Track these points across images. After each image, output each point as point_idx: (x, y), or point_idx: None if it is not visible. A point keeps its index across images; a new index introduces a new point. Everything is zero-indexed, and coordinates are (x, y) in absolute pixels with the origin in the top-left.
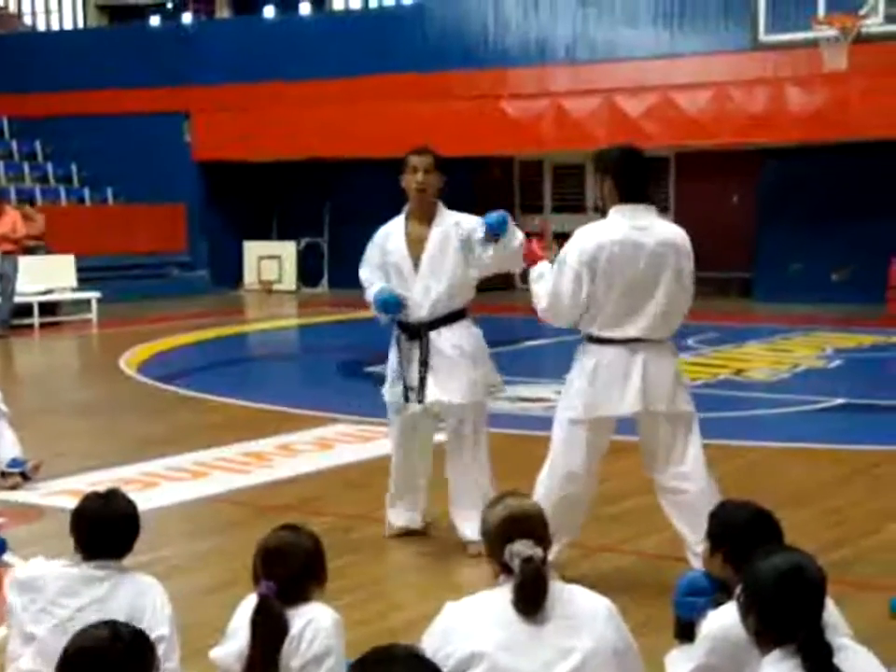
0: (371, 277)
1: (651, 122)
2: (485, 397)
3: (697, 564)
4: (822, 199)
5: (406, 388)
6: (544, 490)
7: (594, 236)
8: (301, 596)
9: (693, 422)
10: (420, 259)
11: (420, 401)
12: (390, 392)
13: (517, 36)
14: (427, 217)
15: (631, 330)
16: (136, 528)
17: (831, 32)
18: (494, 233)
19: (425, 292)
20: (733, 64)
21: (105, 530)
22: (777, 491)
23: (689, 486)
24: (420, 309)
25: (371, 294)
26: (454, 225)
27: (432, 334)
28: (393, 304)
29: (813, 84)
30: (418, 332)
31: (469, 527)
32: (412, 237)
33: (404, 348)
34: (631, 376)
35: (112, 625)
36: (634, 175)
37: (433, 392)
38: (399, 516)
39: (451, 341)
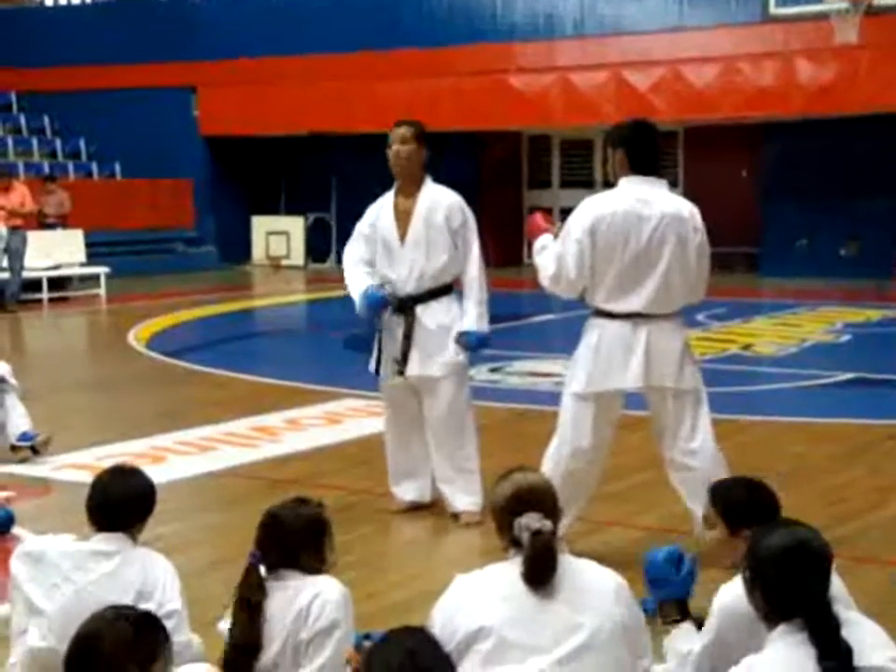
0: (355, 259)
1: (658, 96)
2: (466, 369)
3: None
4: (831, 173)
5: (391, 361)
6: (552, 464)
7: (596, 206)
8: (302, 566)
9: (702, 398)
10: (406, 232)
11: (401, 374)
12: (373, 365)
13: (524, 10)
14: (412, 191)
15: (633, 303)
16: (150, 506)
17: (842, 4)
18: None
19: (410, 266)
20: (741, 37)
21: (119, 505)
22: (783, 466)
23: (697, 463)
24: (406, 283)
25: (355, 291)
26: (436, 200)
27: (418, 308)
28: (379, 302)
29: (823, 57)
30: (404, 306)
31: (459, 498)
32: (399, 211)
33: (388, 321)
34: (634, 351)
35: (116, 608)
36: (644, 148)
37: (414, 366)
38: (406, 492)
39: (435, 316)
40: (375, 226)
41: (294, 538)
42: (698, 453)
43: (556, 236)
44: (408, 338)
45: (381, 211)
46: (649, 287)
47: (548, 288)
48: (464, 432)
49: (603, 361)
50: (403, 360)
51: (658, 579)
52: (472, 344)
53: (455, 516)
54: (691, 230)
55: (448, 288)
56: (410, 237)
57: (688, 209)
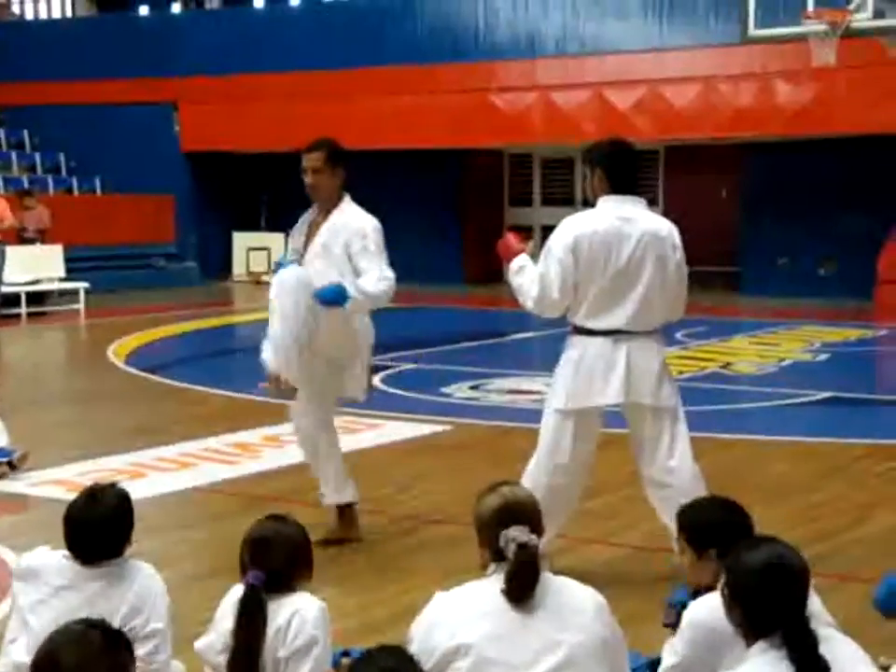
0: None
1: (639, 115)
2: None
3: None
4: (810, 193)
5: None
6: (531, 481)
7: (578, 225)
8: (287, 586)
9: (680, 416)
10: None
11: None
12: None
13: (506, 29)
14: (325, 211)
15: (614, 320)
16: (126, 525)
17: (820, 26)
18: (326, 304)
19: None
20: (721, 58)
21: (92, 534)
22: (761, 484)
23: (674, 481)
24: None
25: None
26: (343, 224)
27: None
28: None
29: (801, 79)
30: None
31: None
32: (313, 226)
33: None
34: (615, 367)
35: (85, 622)
36: (623, 167)
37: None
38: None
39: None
40: (293, 236)
41: (281, 558)
42: (676, 470)
43: (532, 255)
44: None
45: (299, 224)
46: (629, 305)
47: (532, 310)
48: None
49: (584, 378)
50: None
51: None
52: (325, 300)
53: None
54: (670, 248)
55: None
56: (307, 256)
57: (667, 228)
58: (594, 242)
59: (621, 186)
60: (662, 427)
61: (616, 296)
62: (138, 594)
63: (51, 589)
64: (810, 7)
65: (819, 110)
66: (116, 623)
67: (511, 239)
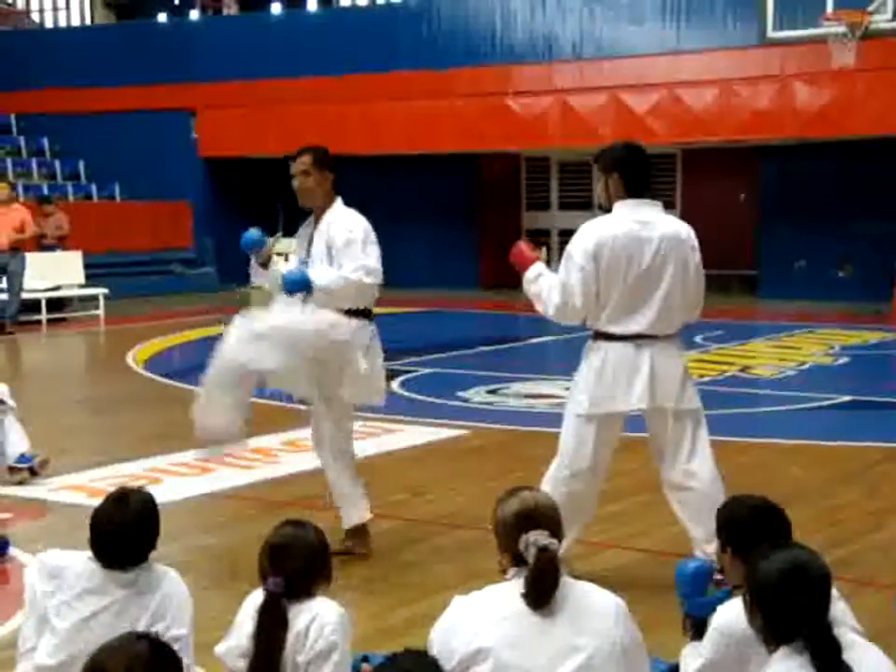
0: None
1: (656, 119)
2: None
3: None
4: (828, 196)
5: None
6: (551, 487)
7: (597, 230)
8: (306, 592)
9: (701, 419)
10: (310, 255)
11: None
12: None
13: (523, 33)
14: (319, 215)
15: (637, 325)
16: (153, 530)
17: (839, 28)
18: (290, 293)
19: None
20: (739, 61)
21: (118, 539)
22: (779, 488)
23: (695, 484)
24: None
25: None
26: (331, 224)
27: None
28: (249, 240)
29: (820, 81)
30: None
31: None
32: (309, 235)
33: None
34: (639, 372)
35: (135, 634)
36: (638, 171)
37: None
38: None
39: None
40: (298, 248)
41: (300, 564)
42: (697, 473)
43: (547, 262)
44: None
45: (300, 233)
46: (652, 309)
47: (552, 317)
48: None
49: (607, 383)
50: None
51: (683, 593)
52: (289, 288)
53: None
54: (689, 249)
55: (349, 312)
56: (311, 259)
57: (685, 230)
58: (615, 247)
59: (636, 189)
60: (684, 430)
61: (638, 300)
62: (162, 600)
63: (75, 592)
64: (829, 8)
65: (838, 112)
66: (139, 629)
67: (523, 248)
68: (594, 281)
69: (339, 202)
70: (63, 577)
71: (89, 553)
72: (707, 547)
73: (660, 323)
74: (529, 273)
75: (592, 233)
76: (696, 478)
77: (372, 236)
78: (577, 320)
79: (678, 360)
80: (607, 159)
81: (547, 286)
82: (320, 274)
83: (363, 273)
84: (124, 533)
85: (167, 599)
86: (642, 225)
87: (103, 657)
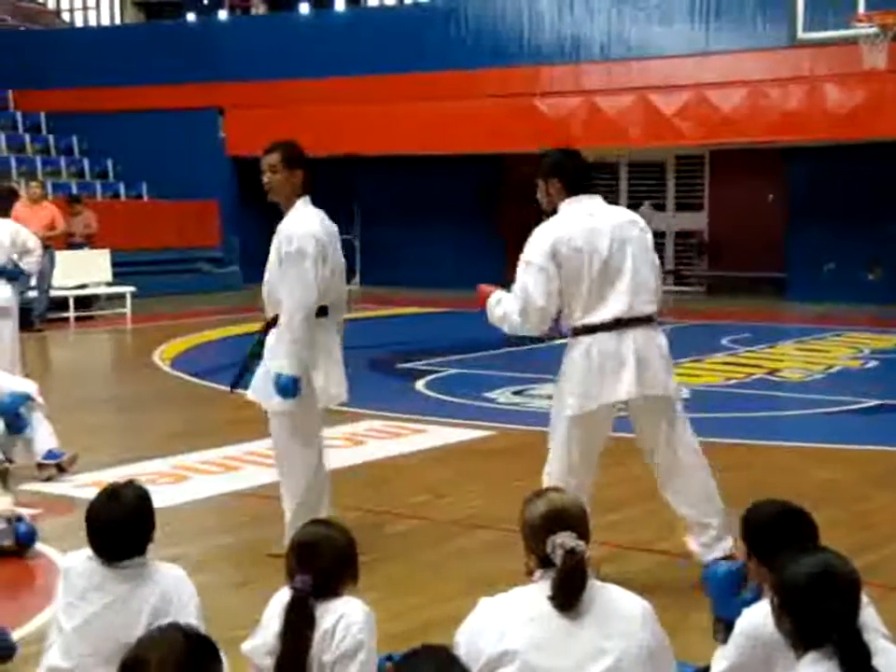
0: None
1: (684, 120)
2: (290, 407)
3: (694, 542)
4: (857, 197)
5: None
6: (550, 483)
7: (551, 231)
8: (333, 591)
9: (680, 406)
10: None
11: (231, 389)
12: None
13: (551, 34)
14: (284, 213)
15: (613, 309)
16: (148, 522)
17: (870, 29)
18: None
19: (264, 290)
20: (768, 62)
21: (114, 533)
22: (807, 492)
23: (682, 461)
24: (266, 306)
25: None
26: (287, 225)
27: (269, 335)
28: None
29: (850, 82)
30: (264, 331)
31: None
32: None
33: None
34: (625, 362)
35: (173, 625)
36: (577, 171)
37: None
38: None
39: (271, 347)
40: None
41: (328, 563)
42: (683, 455)
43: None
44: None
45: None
46: (623, 291)
47: (518, 328)
48: (283, 472)
49: (594, 377)
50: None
51: (713, 596)
52: (276, 388)
53: None
54: (639, 230)
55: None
56: (270, 261)
57: (629, 214)
58: (571, 243)
59: (578, 188)
60: (669, 415)
61: (607, 287)
62: (163, 595)
63: (79, 591)
64: (860, 9)
65: (869, 114)
66: (142, 624)
67: (482, 287)
68: (556, 278)
69: (301, 201)
70: (68, 577)
71: (88, 552)
72: (697, 528)
73: (637, 302)
74: (490, 301)
75: (546, 235)
76: (682, 460)
77: (311, 248)
78: (540, 325)
79: (661, 347)
80: (545, 165)
81: (506, 300)
82: (277, 353)
83: (294, 312)
84: (118, 527)
85: (168, 594)
86: (591, 217)
87: (140, 650)
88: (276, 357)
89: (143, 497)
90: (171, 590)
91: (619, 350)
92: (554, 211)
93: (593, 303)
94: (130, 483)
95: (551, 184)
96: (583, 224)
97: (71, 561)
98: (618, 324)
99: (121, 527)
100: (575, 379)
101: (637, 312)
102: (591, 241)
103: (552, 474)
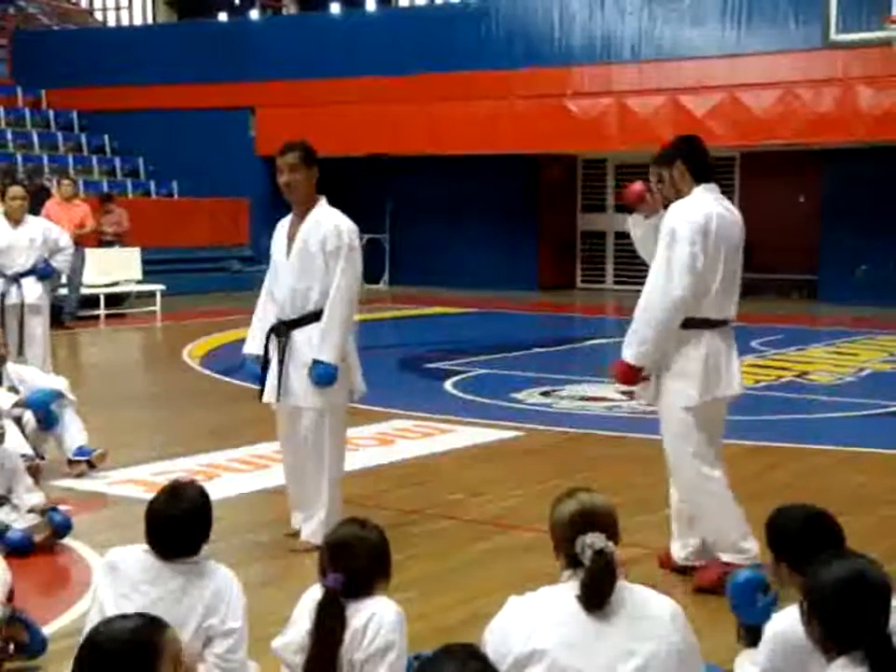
0: (265, 290)
1: (716, 121)
2: (338, 401)
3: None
4: (890, 200)
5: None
6: (698, 492)
7: (699, 207)
8: (365, 590)
9: None
10: (290, 254)
11: (278, 399)
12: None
13: (582, 34)
14: (303, 213)
15: (729, 310)
16: (206, 522)
17: None
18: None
19: (288, 290)
20: (801, 63)
21: (173, 530)
22: (839, 496)
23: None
24: (283, 307)
25: (247, 343)
26: (318, 223)
27: (295, 333)
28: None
29: (884, 84)
30: (280, 330)
31: (307, 528)
32: (291, 232)
33: (273, 345)
34: (733, 359)
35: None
36: (703, 158)
37: (285, 392)
38: (297, 522)
39: (307, 343)
40: (271, 247)
41: (361, 562)
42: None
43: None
44: (281, 362)
45: (277, 232)
46: (736, 293)
47: (676, 306)
48: (330, 465)
49: (713, 372)
50: (279, 385)
51: (736, 603)
52: (314, 378)
53: (290, 535)
54: (741, 231)
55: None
56: (291, 261)
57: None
58: (718, 226)
59: (705, 175)
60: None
61: (729, 283)
62: (215, 593)
63: (132, 584)
64: (894, 11)
65: None
66: (194, 621)
67: (637, 184)
68: (701, 258)
69: (323, 200)
70: (119, 569)
71: (144, 546)
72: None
73: (736, 307)
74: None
75: (694, 210)
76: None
77: (357, 243)
78: (686, 308)
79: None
80: (668, 152)
81: (649, 288)
82: (328, 342)
83: (348, 304)
84: (178, 524)
85: (220, 593)
86: (725, 208)
87: (93, 634)
88: (331, 349)
89: (203, 496)
90: (223, 588)
91: (728, 347)
92: (678, 198)
93: (720, 297)
94: (191, 483)
95: (675, 169)
96: (722, 211)
97: (120, 555)
98: (725, 322)
99: (182, 525)
100: (695, 374)
101: (735, 316)
102: (727, 231)
103: (699, 475)
